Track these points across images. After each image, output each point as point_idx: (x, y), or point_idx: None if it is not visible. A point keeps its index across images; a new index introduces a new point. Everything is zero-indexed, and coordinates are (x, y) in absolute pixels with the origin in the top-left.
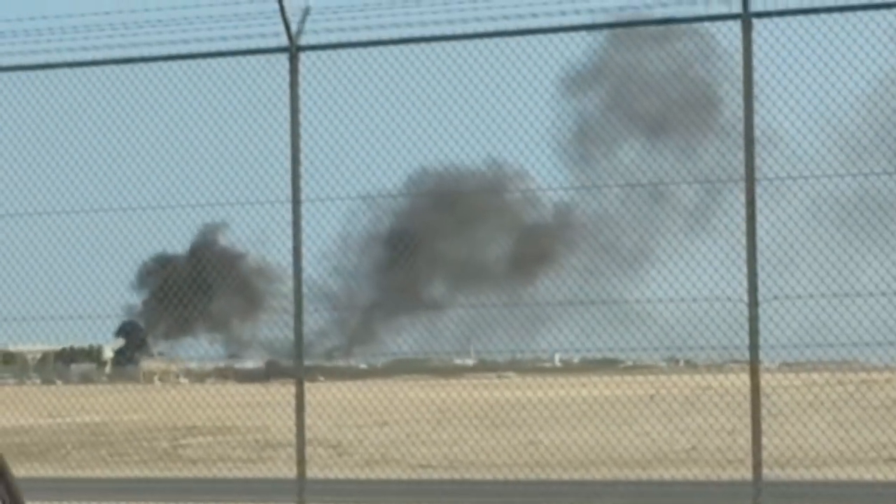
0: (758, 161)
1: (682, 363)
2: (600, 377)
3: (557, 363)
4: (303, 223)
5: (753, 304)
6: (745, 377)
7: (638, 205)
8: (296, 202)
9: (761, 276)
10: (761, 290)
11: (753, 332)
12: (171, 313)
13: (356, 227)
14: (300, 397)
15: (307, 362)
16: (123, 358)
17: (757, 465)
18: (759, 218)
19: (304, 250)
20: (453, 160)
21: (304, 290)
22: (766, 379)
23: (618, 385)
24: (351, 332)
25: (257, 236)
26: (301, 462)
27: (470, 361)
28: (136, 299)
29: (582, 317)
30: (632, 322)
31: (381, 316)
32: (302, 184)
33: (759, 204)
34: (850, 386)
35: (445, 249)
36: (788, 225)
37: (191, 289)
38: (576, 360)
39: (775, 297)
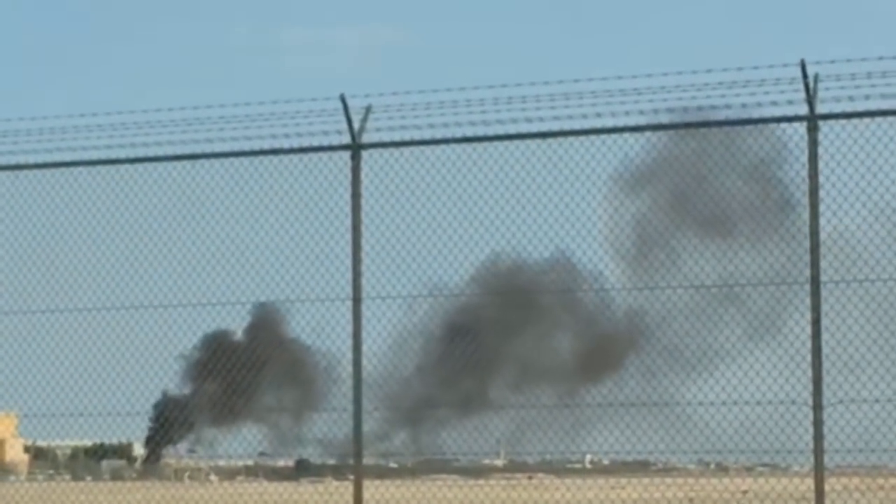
0: (824, 264)
1: (712, 466)
2: (629, 480)
3: (588, 464)
4: (363, 321)
5: (818, 407)
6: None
7: (702, 307)
8: (356, 300)
9: (826, 379)
10: (826, 393)
11: (818, 437)
12: (221, 398)
13: (415, 324)
14: (358, 496)
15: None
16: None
17: None
18: (825, 321)
19: (363, 348)
20: (517, 257)
21: (364, 388)
22: (807, 483)
23: (646, 488)
24: (405, 431)
25: (316, 332)
26: None
27: (499, 462)
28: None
29: (633, 419)
30: (695, 425)
31: (434, 415)
32: (363, 281)
33: (824, 307)
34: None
35: (507, 347)
36: (854, 329)
37: (243, 373)
38: (605, 461)
39: (840, 401)
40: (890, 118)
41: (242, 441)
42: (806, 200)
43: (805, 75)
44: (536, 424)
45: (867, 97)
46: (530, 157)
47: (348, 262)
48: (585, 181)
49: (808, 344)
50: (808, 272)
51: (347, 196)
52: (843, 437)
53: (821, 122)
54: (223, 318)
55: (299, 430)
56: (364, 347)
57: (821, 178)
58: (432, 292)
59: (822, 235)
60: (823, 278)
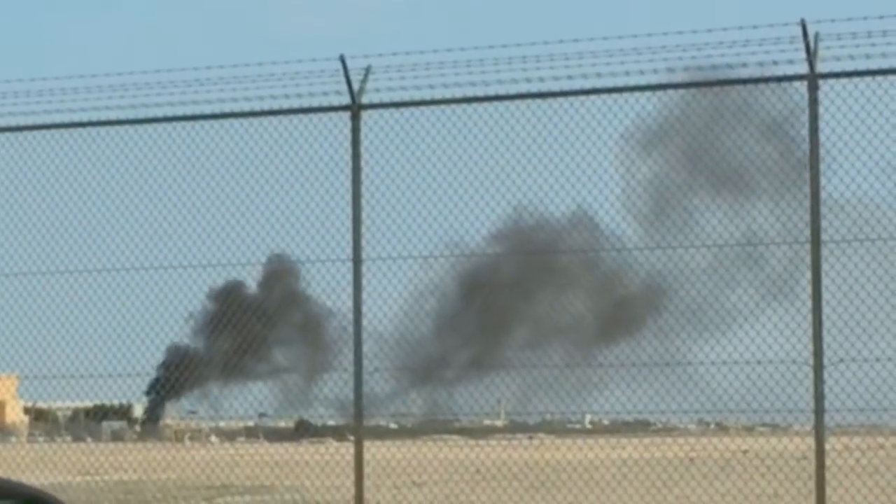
0: (824, 223)
1: (712, 426)
2: (629, 439)
3: (588, 424)
4: (376, 281)
5: (819, 367)
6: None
7: (714, 266)
8: (356, 261)
9: (827, 339)
10: (827, 353)
11: (819, 397)
12: (232, 353)
13: (426, 284)
14: (359, 457)
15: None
16: (154, 416)
17: None
18: (826, 281)
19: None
20: (538, 216)
21: (376, 348)
22: (808, 443)
23: (647, 448)
24: (416, 391)
25: (327, 293)
26: None
27: (500, 422)
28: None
29: (634, 379)
30: (695, 385)
31: (444, 375)
32: (364, 242)
33: (825, 267)
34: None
35: (523, 306)
36: (855, 288)
37: (258, 327)
38: (605, 421)
39: (841, 360)
40: (891, 77)
41: (252, 400)
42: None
43: (805, 34)
44: (548, 384)
45: (868, 56)
46: (530, 117)
47: (349, 222)
48: (586, 141)
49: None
50: (819, 232)
51: (348, 157)
52: (843, 396)
53: (821, 82)
54: (225, 279)
55: (308, 390)
56: (375, 308)
57: (822, 137)
58: (433, 253)
59: (823, 195)
60: (825, 237)
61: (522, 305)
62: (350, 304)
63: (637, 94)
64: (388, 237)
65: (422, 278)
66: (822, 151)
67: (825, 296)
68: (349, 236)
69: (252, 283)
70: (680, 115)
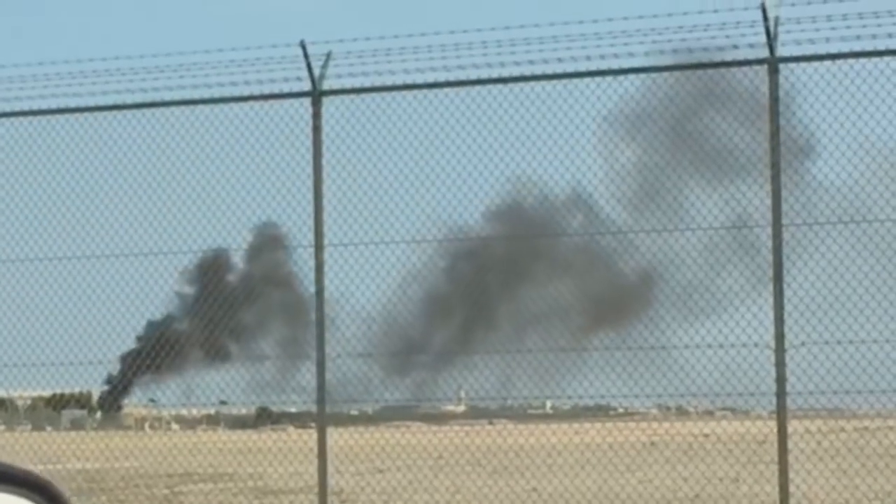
0: (785, 207)
1: (673, 410)
2: (592, 424)
3: (548, 409)
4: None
5: (780, 350)
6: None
7: (698, 250)
8: (318, 247)
9: (788, 322)
10: (788, 336)
11: (781, 379)
12: (209, 336)
13: (408, 269)
14: (322, 444)
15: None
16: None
17: None
18: (788, 263)
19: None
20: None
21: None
22: (770, 426)
23: (610, 432)
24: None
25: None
26: None
27: (461, 408)
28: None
29: (597, 363)
30: (669, 369)
31: (421, 361)
32: (325, 229)
33: (786, 250)
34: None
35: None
36: (816, 271)
37: (235, 308)
38: (567, 406)
39: (802, 344)
40: (850, 60)
41: (222, 383)
42: (812, 142)
43: (766, 18)
44: (532, 369)
45: (827, 40)
46: (492, 102)
47: (310, 209)
48: (547, 126)
49: (806, 288)
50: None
51: (309, 143)
52: (805, 379)
53: (781, 66)
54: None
55: (285, 376)
56: (358, 292)
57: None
58: (404, 238)
59: (784, 178)
60: (785, 221)
61: (509, 289)
62: (331, 289)
63: (607, 77)
64: (350, 223)
65: (404, 263)
66: (806, 134)
67: (810, 278)
68: (311, 222)
69: (237, 259)
70: (663, 98)
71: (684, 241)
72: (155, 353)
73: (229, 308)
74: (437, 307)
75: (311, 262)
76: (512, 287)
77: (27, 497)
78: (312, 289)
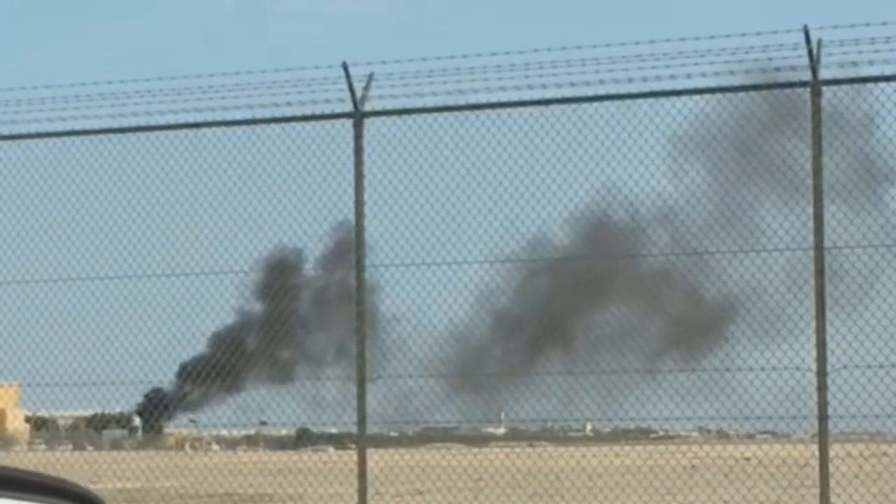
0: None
1: (713, 433)
2: (633, 446)
3: (588, 432)
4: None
5: (822, 373)
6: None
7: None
8: (360, 268)
9: (830, 345)
10: (830, 359)
11: (822, 403)
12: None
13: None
14: (362, 465)
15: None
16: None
17: None
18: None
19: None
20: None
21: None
22: (811, 450)
23: (651, 455)
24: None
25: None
26: None
27: (501, 430)
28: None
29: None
30: (710, 391)
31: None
32: (366, 250)
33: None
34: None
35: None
36: (858, 294)
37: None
38: (607, 429)
39: (844, 367)
40: (894, 83)
41: (287, 409)
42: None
43: (808, 41)
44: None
45: (871, 63)
46: (533, 124)
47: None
48: (600, 147)
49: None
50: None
51: (351, 164)
52: (846, 402)
53: (824, 88)
54: (226, 287)
55: (342, 399)
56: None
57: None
58: (437, 261)
59: (863, 200)
60: (827, 244)
61: (579, 313)
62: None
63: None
64: (392, 245)
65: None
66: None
67: (877, 301)
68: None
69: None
70: (740, 119)
71: (760, 262)
72: (216, 370)
73: (291, 327)
74: (506, 326)
75: (380, 282)
76: (587, 310)
77: None
78: (380, 309)
